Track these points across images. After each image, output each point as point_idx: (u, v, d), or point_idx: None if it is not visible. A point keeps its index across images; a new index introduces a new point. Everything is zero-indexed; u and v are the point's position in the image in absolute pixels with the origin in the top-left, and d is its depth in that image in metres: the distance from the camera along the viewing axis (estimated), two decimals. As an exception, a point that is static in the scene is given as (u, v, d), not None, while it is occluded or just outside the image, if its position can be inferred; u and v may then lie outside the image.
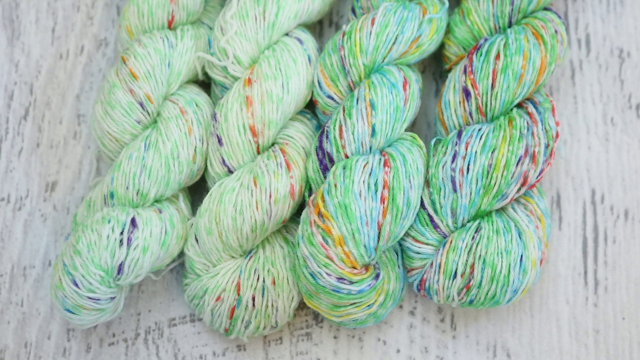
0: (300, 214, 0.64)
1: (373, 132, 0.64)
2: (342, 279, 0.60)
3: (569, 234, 0.69)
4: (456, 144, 0.63)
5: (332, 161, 0.64)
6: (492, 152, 0.62)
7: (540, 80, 0.65)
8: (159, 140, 0.66)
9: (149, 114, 0.68)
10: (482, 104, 0.65)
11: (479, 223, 0.63)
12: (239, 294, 0.64)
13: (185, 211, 0.68)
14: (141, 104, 0.67)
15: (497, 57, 0.65)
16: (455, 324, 0.68)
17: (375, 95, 0.64)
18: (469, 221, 0.63)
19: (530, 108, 0.65)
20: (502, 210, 0.64)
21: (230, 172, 0.67)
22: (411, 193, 0.62)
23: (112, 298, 0.63)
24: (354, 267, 0.60)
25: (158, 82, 0.67)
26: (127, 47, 0.69)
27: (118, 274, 0.62)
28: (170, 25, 0.70)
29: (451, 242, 0.63)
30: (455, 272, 0.62)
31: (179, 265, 0.70)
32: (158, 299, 0.70)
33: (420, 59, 0.69)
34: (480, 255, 0.62)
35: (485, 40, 0.66)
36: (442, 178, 0.63)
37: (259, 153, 0.66)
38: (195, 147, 0.67)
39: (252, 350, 0.68)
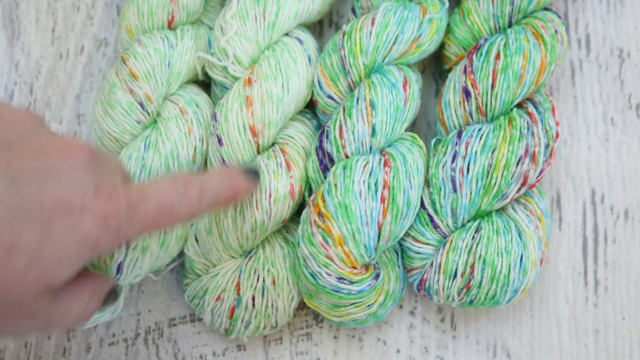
0: (300, 214, 0.64)
1: (373, 132, 0.64)
2: (342, 279, 0.60)
3: (569, 234, 0.69)
4: (456, 144, 0.64)
5: (332, 161, 0.64)
6: (492, 152, 0.62)
7: (540, 80, 0.65)
8: (158, 140, 0.66)
9: (149, 114, 0.68)
10: (482, 104, 0.65)
11: (479, 223, 0.63)
12: (239, 294, 0.64)
13: (185, 211, 0.68)
14: (141, 104, 0.67)
15: (497, 57, 0.65)
16: (455, 324, 0.68)
17: (376, 95, 0.64)
18: (469, 221, 0.63)
19: (531, 108, 0.65)
20: (502, 210, 0.64)
21: (230, 172, 0.67)
22: (411, 193, 0.62)
23: (112, 298, 0.64)
24: (354, 267, 0.60)
25: (158, 82, 0.67)
26: (127, 47, 0.69)
27: (117, 274, 0.62)
28: (170, 25, 0.70)
29: (451, 242, 0.63)
30: (455, 272, 0.62)
31: (179, 265, 0.70)
32: (158, 299, 0.70)
33: (420, 59, 0.69)
34: (480, 255, 0.62)
35: (485, 40, 0.66)
36: (442, 178, 0.63)
37: (259, 153, 0.66)
38: (195, 147, 0.67)
39: (252, 350, 0.68)
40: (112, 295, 0.58)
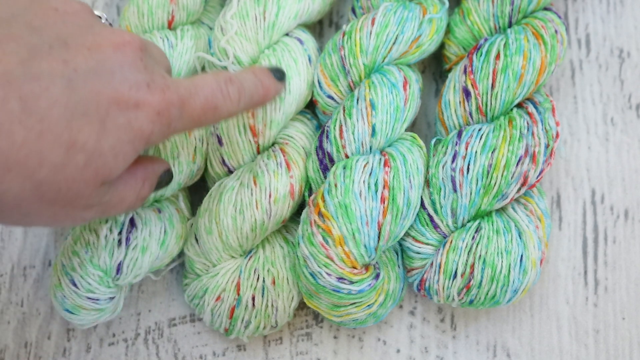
0: (300, 214, 0.64)
1: (373, 132, 0.64)
2: (342, 278, 0.60)
3: (569, 234, 0.69)
4: (456, 144, 0.64)
5: (332, 161, 0.64)
6: (492, 152, 0.62)
7: (540, 80, 0.65)
8: (159, 140, 0.66)
9: (149, 114, 0.67)
10: (482, 104, 0.65)
11: (479, 223, 0.63)
12: (238, 294, 0.64)
13: (185, 211, 0.68)
14: (141, 104, 0.67)
15: (497, 57, 0.65)
16: (455, 324, 0.68)
17: (376, 95, 0.64)
18: (469, 221, 0.63)
19: (531, 108, 0.65)
20: (502, 210, 0.64)
21: (230, 172, 0.67)
22: (411, 193, 0.62)
23: (112, 298, 0.63)
24: (354, 267, 0.60)
25: (158, 82, 0.67)
26: (127, 47, 0.69)
27: (117, 274, 0.62)
28: (170, 25, 0.70)
29: (451, 242, 0.63)
30: (456, 272, 0.62)
31: (179, 265, 0.70)
32: (158, 299, 0.70)
33: (420, 59, 0.69)
34: (480, 255, 0.62)
35: (485, 40, 0.66)
36: (442, 178, 0.63)
37: (259, 153, 0.66)
38: (195, 147, 0.67)
39: (252, 350, 0.68)
40: (167, 176, 0.60)
